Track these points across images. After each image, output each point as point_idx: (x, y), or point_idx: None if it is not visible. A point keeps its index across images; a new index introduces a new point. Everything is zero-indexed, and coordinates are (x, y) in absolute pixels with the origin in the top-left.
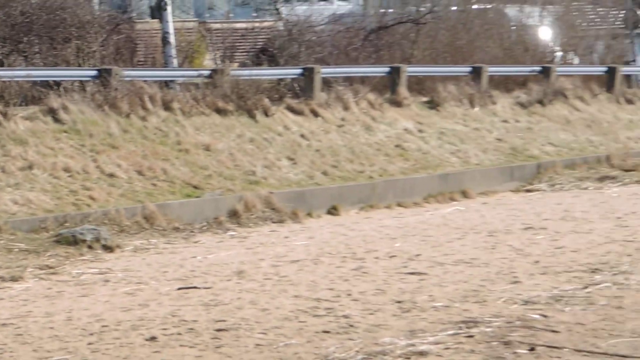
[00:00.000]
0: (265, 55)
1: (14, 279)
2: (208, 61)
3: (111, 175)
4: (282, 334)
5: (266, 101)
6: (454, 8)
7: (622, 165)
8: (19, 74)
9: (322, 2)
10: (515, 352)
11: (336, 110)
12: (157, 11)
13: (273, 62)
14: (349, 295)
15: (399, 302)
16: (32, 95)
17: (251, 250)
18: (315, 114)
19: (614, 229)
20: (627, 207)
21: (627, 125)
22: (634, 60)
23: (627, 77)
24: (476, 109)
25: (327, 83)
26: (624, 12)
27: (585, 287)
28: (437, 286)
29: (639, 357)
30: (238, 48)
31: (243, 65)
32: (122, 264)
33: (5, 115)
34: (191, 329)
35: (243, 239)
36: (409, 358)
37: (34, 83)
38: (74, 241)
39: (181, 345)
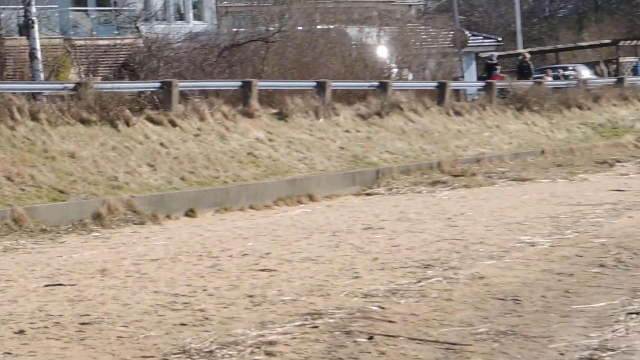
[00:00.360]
0: (126, 69)
1: None
2: (73, 75)
3: None
4: (142, 326)
5: (127, 112)
6: (300, 28)
7: (452, 171)
8: None
9: (179, 21)
10: (355, 341)
11: (193, 120)
12: (25, 29)
13: (134, 76)
14: (205, 290)
15: (250, 296)
16: None
17: (114, 250)
18: (173, 124)
19: (444, 229)
20: (456, 209)
21: (456, 135)
22: (462, 76)
23: (456, 92)
24: (321, 120)
25: (184, 96)
26: (452, 32)
27: (419, 281)
28: (285, 281)
29: (467, 344)
30: (101, 63)
31: (106, 79)
32: None
33: None
34: (57, 322)
35: (106, 240)
36: (259, 347)
37: None
38: None
39: (48, 338)
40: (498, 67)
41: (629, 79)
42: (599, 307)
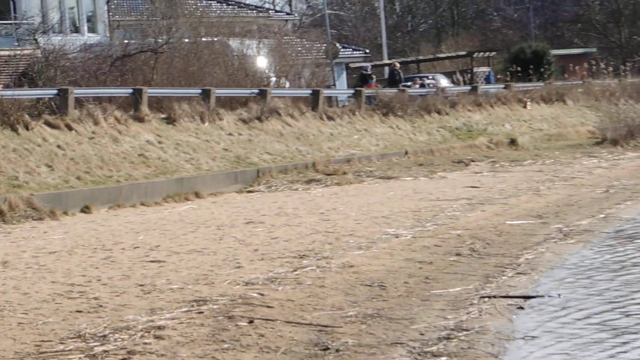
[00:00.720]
0: (26, 78)
1: None
2: None
3: None
4: (41, 314)
5: (27, 117)
6: (186, 40)
7: (325, 170)
8: None
9: (74, 34)
10: (237, 325)
11: (88, 124)
12: None
13: (33, 84)
14: (99, 280)
15: (141, 285)
16: None
17: (15, 244)
18: (69, 127)
19: (318, 222)
20: (329, 204)
21: (329, 138)
22: (334, 85)
23: (329, 98)
24: (206, 124)
25: (79, 102)
26: (325, 45)
27: (295, 270)
28: (173, 272)
29: (337, 326)
30: (2, 72)
31: (7, 86)
32: None
33: None
34: None
35: (7, 234)
36: (149, 332)
37: None
38: None
39: None
40: (373, 77)
41: (482, 87)
42: (455, 291)
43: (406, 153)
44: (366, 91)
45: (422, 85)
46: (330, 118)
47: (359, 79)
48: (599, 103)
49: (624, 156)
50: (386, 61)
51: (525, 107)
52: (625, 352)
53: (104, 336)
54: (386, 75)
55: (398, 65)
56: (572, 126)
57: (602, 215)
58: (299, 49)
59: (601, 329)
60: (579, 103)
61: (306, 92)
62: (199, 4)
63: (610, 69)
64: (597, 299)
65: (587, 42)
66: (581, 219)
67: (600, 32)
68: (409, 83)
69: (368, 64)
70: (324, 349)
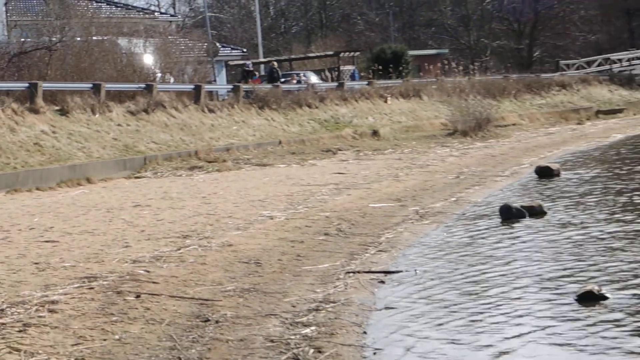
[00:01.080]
0: None
1: None
2: None
3: None
4: None
5: None
6: (79, 38)
7: (207, 158)
8: None
9: None
10: (125, 299)
11: None
12: None
13: None
14: None
15: (36, 263)
16: None
17: None
18: None
19: (200, 206)
20: (210, 189)
21: (210, 128)
22: (214, 80)
23: (210, 93)
24: (97, 115)
25: None
26: (206, 44)
27: (179, 249)
28: (66, 251)
29: (217, 300)
30: None
31: None
32: None
33: None
34: None
35: None
36: (43, 306)
37: None
38: None
39: None
40: (256, 73)
41: (348, 84)
42: (323, 267)
43: (280, 143)
44: (244, 86)
45: (299, 82)
46: (211, 111)
47: (242, 75)
48: (451, 98)
49: (472, 146)
50: (262, 59)
51: (386, 101)
52: (454, 321)
53: (2, 310)
54: (263, 72)
55: (276, 64)
56: (427, 119)
57: (454, 199)
58: (182, 47)
59: (444, 301)
60: (433, 98)
61: (189, 87)
62: (90, 6)
63: (461, 68)
64: (446, 273)
65: (440, 44)
66: (435, 202)
67: (451, 35)
68: (283, 79)
69: (249, 62)
70: (205, 321)
